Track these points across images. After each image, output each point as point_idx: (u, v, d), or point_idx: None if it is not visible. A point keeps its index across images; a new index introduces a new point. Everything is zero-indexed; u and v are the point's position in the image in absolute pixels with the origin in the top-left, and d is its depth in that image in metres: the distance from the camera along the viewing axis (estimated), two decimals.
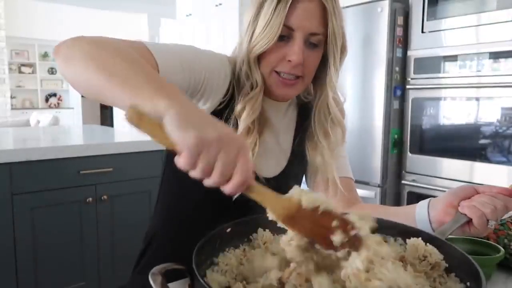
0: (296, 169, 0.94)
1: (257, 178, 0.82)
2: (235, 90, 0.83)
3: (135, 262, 1.00)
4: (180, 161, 0.44)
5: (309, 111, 0.92)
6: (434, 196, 0.76)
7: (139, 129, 0.47)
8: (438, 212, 0.72)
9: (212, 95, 0.81)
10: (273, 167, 0.90)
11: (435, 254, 0.54)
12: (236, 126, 0.82)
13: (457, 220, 0.65)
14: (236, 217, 0.62)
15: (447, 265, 0.54)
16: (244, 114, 0.81)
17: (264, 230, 0.62)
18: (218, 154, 0.44)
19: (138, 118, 0.46)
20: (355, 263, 0.46)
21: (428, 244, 0.56)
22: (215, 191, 0.47)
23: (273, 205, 0.49)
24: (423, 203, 0.76)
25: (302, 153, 0.93)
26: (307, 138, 0.93)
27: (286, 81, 0.80)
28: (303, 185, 0.98)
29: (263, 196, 0.49)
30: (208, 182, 0.45)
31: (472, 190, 0.71)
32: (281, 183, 0.87)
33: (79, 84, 0.58)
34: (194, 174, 0.45)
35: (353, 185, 0.98)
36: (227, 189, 0.45)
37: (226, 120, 0.83)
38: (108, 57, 0.55)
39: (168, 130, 0.45)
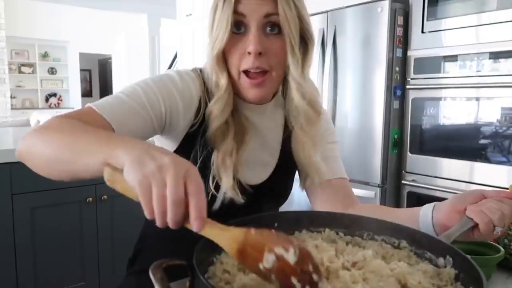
0: (285, 173, 0.91)
1: (242, 186, 0.80)
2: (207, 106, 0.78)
3: (129, 261, 0.99)
4: (143, 209, 0.45)
5: None
6: (434, 196, 0.76)
7: (115, 188, 0.47)
8: (442, 217, 0.70)
9: (180, 121, 0.78)
10: (259, 173, 0.87)
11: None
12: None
13: (463, 225, 0.64)
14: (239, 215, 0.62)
15: (456, 271, 0.53)
16: (212, 115, 0.76)
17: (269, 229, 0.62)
18: (163, 182, 0.43)
19: (112, 175, 0.47)
20: None
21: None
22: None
23: (223, 239, 0.45)
24: (428, 207, 0.74)
25: (290, 154, 0.88)
26: (292, 136, 0.87)
27: (253, 81, 0.74)
28: (296, 190, 0.98)
29: (212, 231, 0.45)
30: (168, 221, 0.44)
31: (479, 195, 0.69)
32: (266, 190, 0.87)
33: (44, 170, 0.62)
34: (156, 218, 0.45)
35: (349, 185, 0.93)
36: (190, 227, 0.44)
37: (203, 140, 0.79)
38: (56, 138, 0.59)
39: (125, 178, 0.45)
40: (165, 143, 0.83)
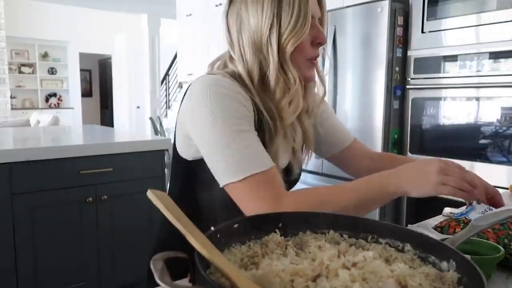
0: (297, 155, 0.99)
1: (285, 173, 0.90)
2: (255, 103, 0.82)
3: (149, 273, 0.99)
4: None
5: None
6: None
7: None
8: None
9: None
10: (283, 159, 0.93)
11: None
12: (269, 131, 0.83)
13: (470, 230, 0.65)
14: None
15: (459, 275, 0.53)
16: (290, 111, 0.83)
17: (275, 232, 0.62)
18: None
19: None
20: None
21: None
22: None
23: None
24: None
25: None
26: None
27: (313, 61, 0.87)
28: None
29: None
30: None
31: None
32: (286, 173, 0.93)
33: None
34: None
35: (360, 142, 1.10)
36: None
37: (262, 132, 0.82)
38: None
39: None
40: None
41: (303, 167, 1.02)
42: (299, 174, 0.99)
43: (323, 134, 1.04)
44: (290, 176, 0.94)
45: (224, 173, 0.74)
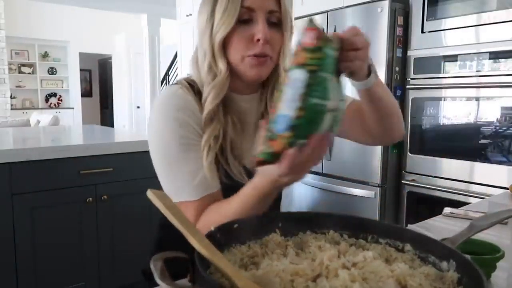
0: None
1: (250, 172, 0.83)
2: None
3: (144, 273, 1.00)
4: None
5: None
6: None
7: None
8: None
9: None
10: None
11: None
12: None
13: (470, 230, 0.65)
14: None
15: (459, 275, 0.53)
16: (208, 99, 0.82)
17: (275, 232, 0.62)
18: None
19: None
20: None
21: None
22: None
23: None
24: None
25: None
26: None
27: (259, 59, 0.81)
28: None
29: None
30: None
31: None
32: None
33: None
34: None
35: (358, 102, 0.91)
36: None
37: None
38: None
39: None
40: None
41: None
42: None
43: None
44: None
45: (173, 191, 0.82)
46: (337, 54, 0.61)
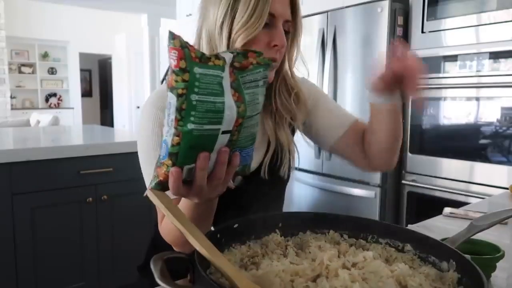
0: (276, 154, 0.93)
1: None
2: None
3: (142, 261, 1.00)
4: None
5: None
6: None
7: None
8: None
9: None
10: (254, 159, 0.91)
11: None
12: None
13: (470, 230, 0.65)
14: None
15: (459, 275, 0.53)
16: None
17: (275, 232, 0.62)
18: None
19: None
20: None
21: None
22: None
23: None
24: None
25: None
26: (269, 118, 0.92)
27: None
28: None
29: None
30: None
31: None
32: (264, 173, 0.91)
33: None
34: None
35: (360, 123, 0.99)
36: None
37: None
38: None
39: None
40: None
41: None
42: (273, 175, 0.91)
43: (316, 125, 0.98)
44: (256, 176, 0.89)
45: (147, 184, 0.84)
46: (220, 72, 0.53)
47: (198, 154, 0.52)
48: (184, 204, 0.65)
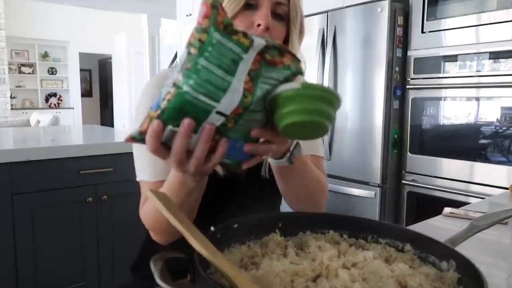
0: None
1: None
2: None
3: (134, 262, 1.00)
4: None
5: None
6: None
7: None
8: None
9: None
10: None
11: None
12: None
13: (470, 230, 0.65)
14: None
15: (459, 275, 0.53)
16: None
17: (275, 232, 0.62)
18: None
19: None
20: None
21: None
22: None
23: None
24: None
25: None
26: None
27: None
28: None
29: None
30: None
31: None
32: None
33: None
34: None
35: (323, 164, 0.92)
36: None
37: None
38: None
39: None
40: None
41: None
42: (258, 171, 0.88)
43: None
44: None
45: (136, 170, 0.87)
46: (243, 53, 0.49)
47: (181, 119, 0.48)
48: (166, 188, 0.67)
